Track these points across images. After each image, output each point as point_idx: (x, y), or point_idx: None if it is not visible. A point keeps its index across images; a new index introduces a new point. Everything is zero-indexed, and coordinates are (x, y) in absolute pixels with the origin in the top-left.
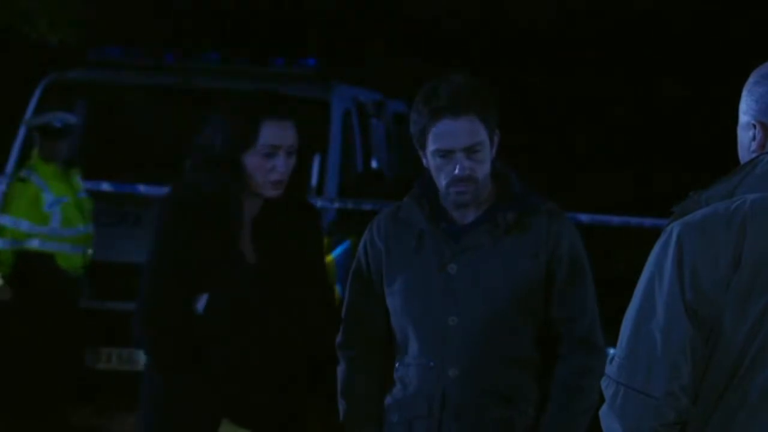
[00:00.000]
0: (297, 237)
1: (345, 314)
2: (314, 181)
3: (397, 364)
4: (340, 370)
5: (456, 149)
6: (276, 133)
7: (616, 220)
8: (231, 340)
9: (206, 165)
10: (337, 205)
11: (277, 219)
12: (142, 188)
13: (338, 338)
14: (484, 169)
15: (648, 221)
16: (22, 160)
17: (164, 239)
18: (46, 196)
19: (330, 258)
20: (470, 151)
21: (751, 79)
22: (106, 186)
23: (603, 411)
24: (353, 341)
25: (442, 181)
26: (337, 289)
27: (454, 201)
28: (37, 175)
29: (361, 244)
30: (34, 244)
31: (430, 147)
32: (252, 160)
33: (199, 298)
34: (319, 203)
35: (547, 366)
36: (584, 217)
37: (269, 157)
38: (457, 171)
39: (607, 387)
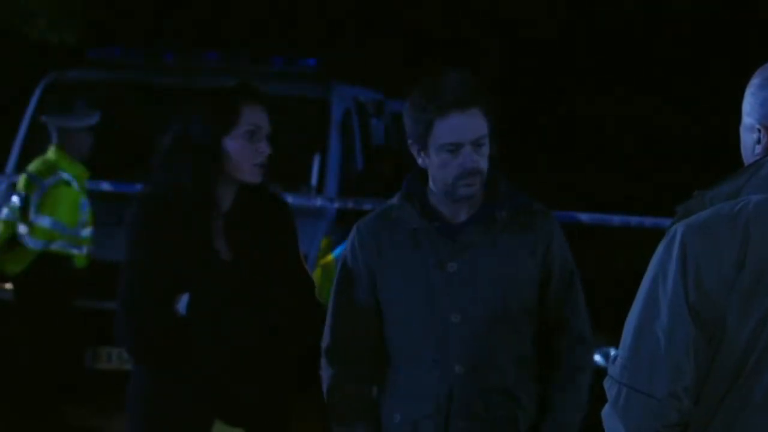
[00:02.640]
0: (271, 232)
1: (332, 320)
2: (314, 181)
3: (395, 365)
4: (328, 375)
5: (465, 142)
6: (257, 114)
7: (616, 219)
8: (214, 338)
9: (182, 153)
10: (337, 205)
11: (249, 214)
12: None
13: (325, 344)
14: (486, 164)
15: (648, 221)
16: (23, 158)
17: (140, 239)
18: (83, 201)
19: (330, 258)
20: (477, 144)
21: (755, 80)
22: (106, 186)
23: (605, 411)
24: (342, 347)
25: (448, 176)
26: None
27: (461, 195)
28: (75, 180)
29: (347, 250)
30: (57, 246)
31: (438, 142)
32: (235, 144)
33: (179, 299)
34: (318, 203)
35: (545, 362)
36: (584, 217)
37: (253, 139)
38: (467, 164)
39: (609, 387)
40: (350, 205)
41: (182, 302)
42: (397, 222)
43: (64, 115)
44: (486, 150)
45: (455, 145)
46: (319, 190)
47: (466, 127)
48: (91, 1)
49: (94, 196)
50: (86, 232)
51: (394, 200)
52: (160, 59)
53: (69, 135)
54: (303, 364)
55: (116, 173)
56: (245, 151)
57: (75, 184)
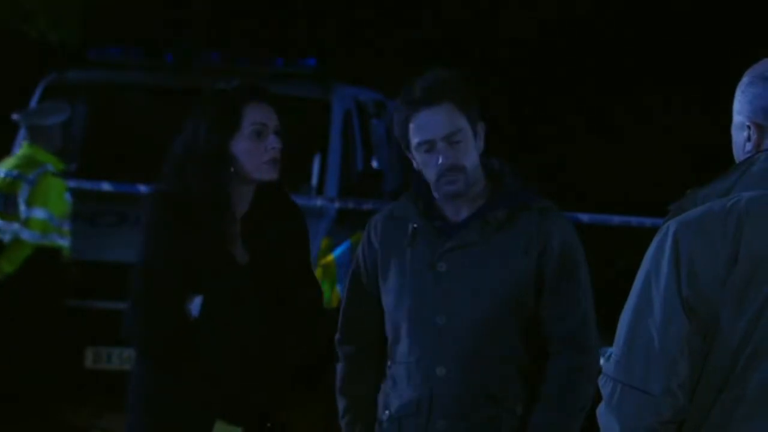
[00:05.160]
0: (285, 236)
1: (343, 313)
2: (314, 181)
3: (389, 362)
4: (339, 367)
5: (436, 138)
6: (261, 113)
7: (616, 219)
8: (225, 341)
9: (192, 159)
10: (337, 205)
11: (266, 218)
12: (142, 188)
13: (337, 336)
14: (470, 159)
15: (648, 221)
16: None
17: (154, 239)
18: (66, 193)
19: (330, 258)
20: (451, 140)
21: (744, 79)
22: (106, 186)
23: (600, 409)
24: (351, 339)
25: (431, 176)
26: (338, 289)
27: (445, 192)
28: (57, 171)
29: (360, 246)
30: (48, 239)
31: (413, 141)
32: (241, 146)
33: (192, 301)
34: (319, 203)
35: (538, 365)
36: (584, 217)
37: (259, 137)
38: (441, 160)
39: (604, 385)
40: (350, 205)
41: (195, 304)
42: (401, 221)
43: (35, 112)
44: (465, 146)
45: (428, 143)
46: (320, 190)
47: (435, 124)
48: (91, 1)
49: (94, 196)
50: (67, 224)
51: (401, 199)
52: (160, 59)
53: (41, 132)
54: (311, 365)
55: (116, 173)
56: (253, 151)
57: (60, 176)
